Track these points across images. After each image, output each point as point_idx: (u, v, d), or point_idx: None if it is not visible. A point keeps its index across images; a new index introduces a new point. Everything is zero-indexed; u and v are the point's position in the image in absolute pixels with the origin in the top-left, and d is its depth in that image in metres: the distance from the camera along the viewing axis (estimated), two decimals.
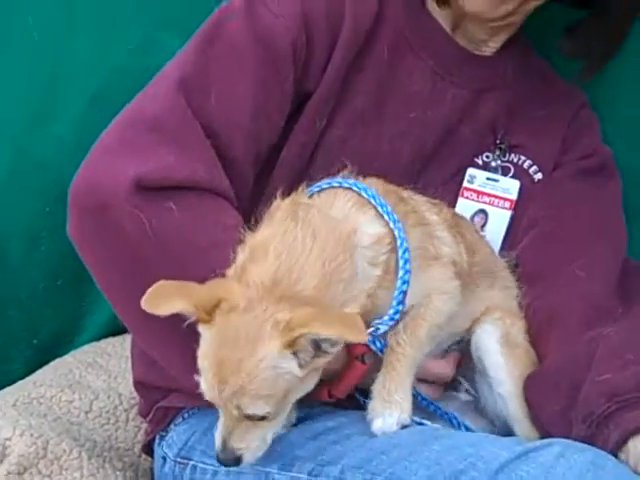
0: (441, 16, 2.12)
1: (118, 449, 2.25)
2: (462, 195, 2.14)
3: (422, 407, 1.93)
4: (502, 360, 1.96)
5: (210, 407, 1.75)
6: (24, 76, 2.38)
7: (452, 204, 2.12)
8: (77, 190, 1.83)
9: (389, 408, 1.81)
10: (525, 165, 2.18)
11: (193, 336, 1.70)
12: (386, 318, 1.82)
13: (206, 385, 1.70)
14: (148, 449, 2.16)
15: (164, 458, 2.04)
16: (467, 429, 1.95)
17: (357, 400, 1.90)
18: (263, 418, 1.70)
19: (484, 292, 2.02)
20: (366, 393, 1.86)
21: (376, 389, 1.83)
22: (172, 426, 2.05)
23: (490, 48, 2.15)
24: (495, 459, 1.67)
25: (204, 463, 1.95)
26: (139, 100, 1.91)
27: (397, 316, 1.82)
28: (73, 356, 2.52)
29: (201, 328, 1.70)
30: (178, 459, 2.00)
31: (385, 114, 2.03)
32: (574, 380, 1.85)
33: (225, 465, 1.75)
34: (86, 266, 1.88)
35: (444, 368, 1.98)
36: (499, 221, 2.16)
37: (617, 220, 2.18)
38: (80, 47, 2.34)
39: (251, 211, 1.85)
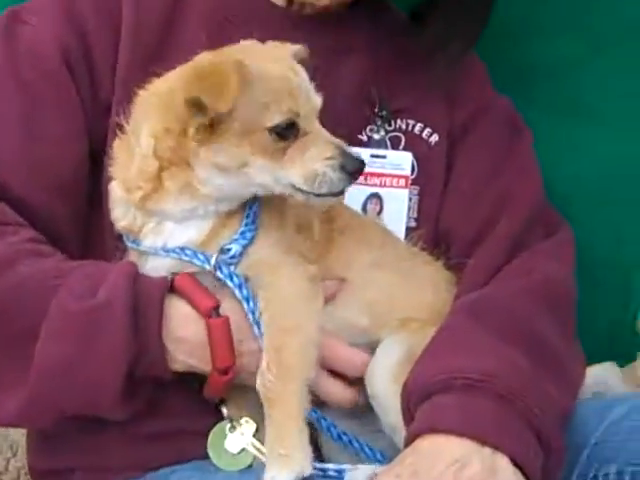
0: None
1: None
2: None
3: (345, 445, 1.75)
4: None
5: None
6: None
7: None
8: None
9: (284, 464, 1.60)
10: (416, 130, 1.96)
11: None
12: (236, 236, 1.68)
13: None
14: None
15: None
16: None
17: None
18: None
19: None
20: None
21: (267, 446, 1.64)
22: None
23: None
24: None
25: None
26: None
27: (250, 234, 1.68)
28: None
29: None
30: None
31: None
32: None
33: (358, 169, 1.67)
34: None
35: (342, 391, 1.77)
36: (396, 203, 1.91)
37: (528, 180, 1.97)
38: None
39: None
